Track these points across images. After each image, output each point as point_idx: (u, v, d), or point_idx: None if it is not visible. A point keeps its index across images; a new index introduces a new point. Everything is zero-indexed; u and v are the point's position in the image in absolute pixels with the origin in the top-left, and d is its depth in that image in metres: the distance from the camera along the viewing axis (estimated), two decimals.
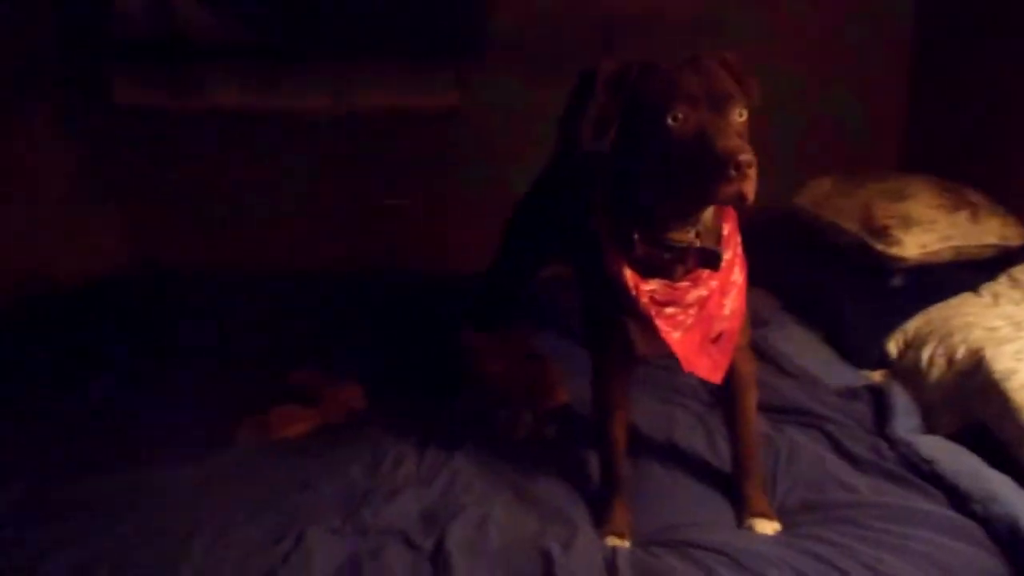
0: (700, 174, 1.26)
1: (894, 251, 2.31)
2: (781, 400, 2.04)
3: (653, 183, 1.38)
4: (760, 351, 2.32)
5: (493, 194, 2.48)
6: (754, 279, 2.84)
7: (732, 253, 1.50)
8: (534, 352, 2.18)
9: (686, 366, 1.48)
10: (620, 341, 1.54)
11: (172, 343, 2.41)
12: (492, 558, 1.46)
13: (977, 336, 1.88)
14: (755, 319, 2.48)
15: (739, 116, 1.33)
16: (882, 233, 2.34)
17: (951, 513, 1.56)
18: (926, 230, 2.33)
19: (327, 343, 2.37)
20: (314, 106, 3.05)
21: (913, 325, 2.15)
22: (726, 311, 1.50)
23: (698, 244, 1.43)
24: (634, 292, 1.45)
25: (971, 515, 1.54)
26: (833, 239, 2.50)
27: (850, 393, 2.06)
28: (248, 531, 1.52)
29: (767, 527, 1.61)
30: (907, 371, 2.09)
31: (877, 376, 2.20)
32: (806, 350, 2.32)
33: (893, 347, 2.18)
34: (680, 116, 1.30)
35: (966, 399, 1.81)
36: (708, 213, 1.44)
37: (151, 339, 2.45)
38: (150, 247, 3.19)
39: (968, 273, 2.34)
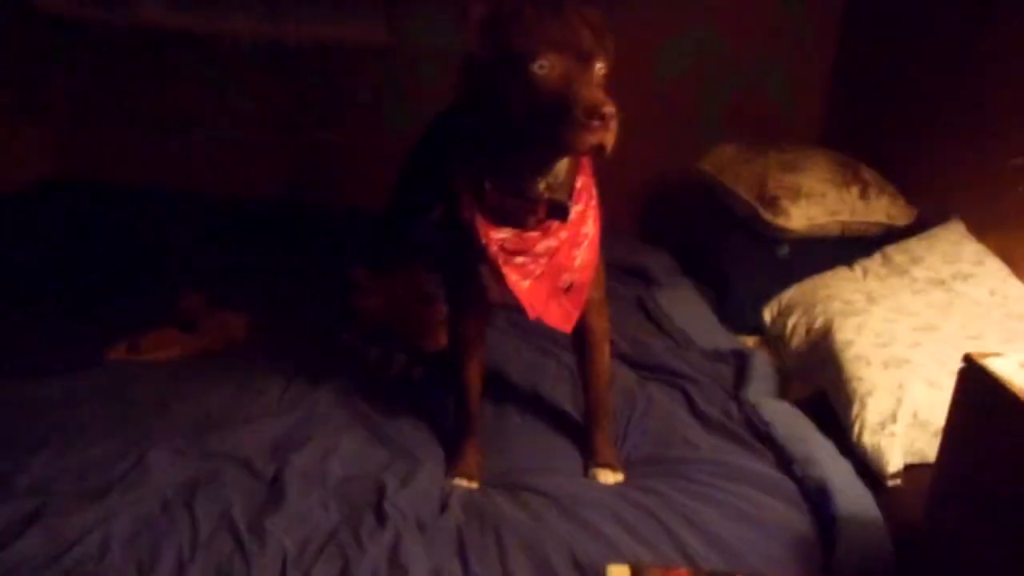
0: (563, 123, 1.27)
1: (780, 221, 2.37)
2: (650, 357, 2.12)
3: (511, 131, 1.40)
4: (645, 310, 2.42)
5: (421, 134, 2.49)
6: (658, 239, 2.95)
7: (584, 206, 1.54)
8: (427, 294, 2.21)
9: (531, 313, 1.53)
10: (474, 286, 1.58)
11: (72, 258, 2.41)
12: (327, 488, 1.52)
13: (833, 308, 1.95)
14: (649, 278, 2.57)
15: (601, 68, 1.35)
16: (772, 203, 2.39)
17: (775, 473, 1.65)
18: (814, 203, 2.38)
19: (227, 270, 2.39)
20: (242, 30, 3.01)
21: (787, 295, 2.22)
22: (577, 262, 1.54)
23: (547, 196, 1.46)
24: (484, 240, 1.48)
25: (792, 476, 1.63)
26: (730, 205, 2.56)
27: (717, 356, 2.14)
28: (94, 447, 1.56)
29: (610, 477, 1.68)
30: (775, 338, 2.17)
31: (751, 342, 2.28)
32: (689, 312, 2.39)
33: (767, 315, 2.25)
34: (546, 64, 1.31)
35: (814, 367, 1.89)
36: (561, 166, 1.46)
37: (51, 252, 2.45)
38: (75, 162, 3.17)
39: (854, 249, 2.40)
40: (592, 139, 1.27)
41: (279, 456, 1.59)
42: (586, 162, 1.56)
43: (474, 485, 1.64)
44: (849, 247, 2.42)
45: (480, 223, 1.49)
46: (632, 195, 3.20)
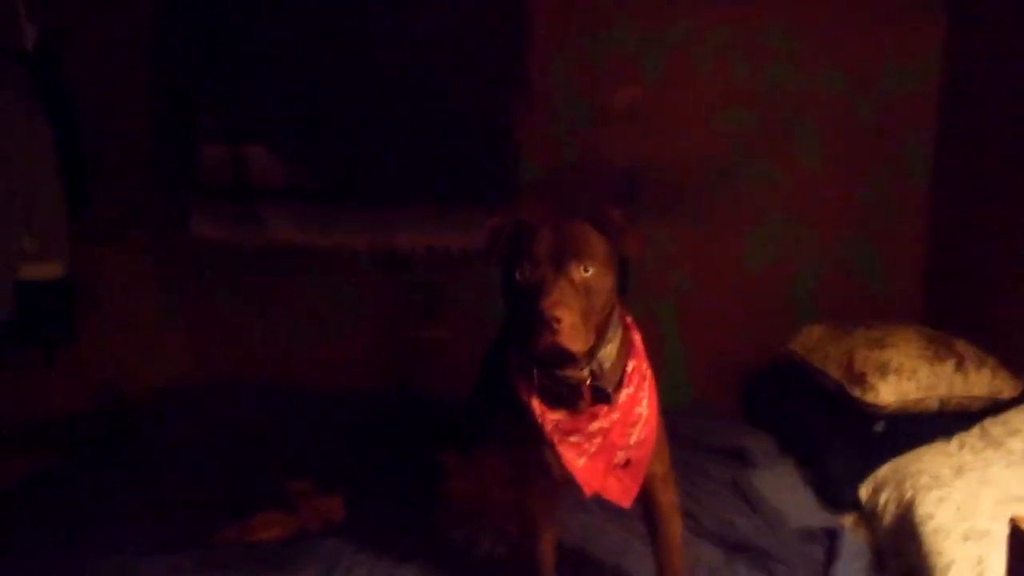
0: (529, 326, 1.41)
1: (869, 397, 2.34)
2: (739, 537, 2.10)
3: (517, 330, 1.52)
4: (738, 490, 2.40)
5: None
6: (756, 421, 2.94)
7: (636, 388, 1.60)
8: (513, 478, 2.29)
9: (587, 489, 1.59)
10: (537, 466, 1.65)
11: (197, 450, 2.66)
12: None
13: (920, 482, 1.89)
14: (745, 459, 2.57)
15: (583, 272, 1.44)
16: (859, 380, 2.38)
17: None
18: (905, 378, 2.35)
19: (331, 457, 2.56)
20: (359, 244, 3.37)
21: (882, 471, 2.16)
22: (632, 440, 1.60)
23: (588, 382, 1.54)
24: (540, 420, 1.58)
25: None
26: (820, 384, 2.55)
27: (807, 534, 2.08)
28: None
29: None
30: (870, 516, 2.10)
31: (849, 521, 2.20)
32: (784, 492, 2.35)
33: (863, 492, 2.19)
34: (525, 272, 1.46)
35: (902, 543, 1.82)
36: (607, 351, 1.55)
37: (181, 445, 2.71)
38: (211, 365, 3.53)
39: (958, 424, 2.33)
40: (544, 341, 1.39)
41: None
42: (638, 346, 1.64)
43: None
44: (953, 421, 2.34)
45: (536, 404, 1.58)
46: (729, 379, 3.23)
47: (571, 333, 1.39)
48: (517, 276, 1.46)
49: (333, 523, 2.18)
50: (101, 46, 3.28)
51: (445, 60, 3.20)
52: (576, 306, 1.40)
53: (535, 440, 1.62)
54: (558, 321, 1.37)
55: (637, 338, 1.63)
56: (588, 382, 1.54)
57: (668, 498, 1.73)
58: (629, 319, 1.65)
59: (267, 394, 3.16)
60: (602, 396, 1.55)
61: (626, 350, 1.60)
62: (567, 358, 1.45)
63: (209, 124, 3.39)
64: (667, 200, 3.21)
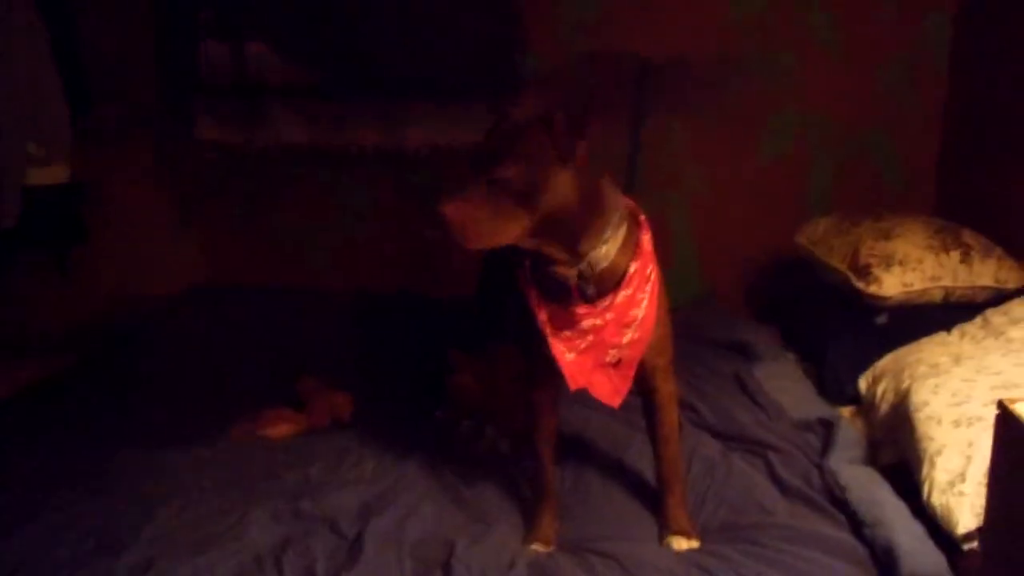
0: None
1: (873, 289, 2.34)
2: (736, 428, 2.14)
3: None
4: (740, 383, 2.43)
5: None
6: (762, 316, 2.95)
7: (634, 290, 1.59)
8: (518, 374, 2.33)
9: (572, 384, 1.62)
10: (542, 356, 1.68)
11: (210, 351, 2.72)
12: (402, 547, 1.64)
13: (918, 372, 1.91)
14: (749, 353, 2.60)
15: (505, 172, 1.43)
16: (863, 271, 2.37)
17: (846, 536, 1.64)
18: (910, 269, 2.34)
19: (339, 356, 2.62)
20: (366, 141, 3.34)
21: (881, 363, 2.18)
22: (625, 339, 1.61)
23: (574, 282, 1.55)
24: (535, 311, 1.60)
25: (862, 539, 1.61)
26: (825, 277, 2.55)
27: (805, 425, 2.12)
28: (208, 506, 1.78)
29: (683, 544, 1.71)
30: (868, 407, 2.13)
31: (847, 412, 2.24)
32: (785, 385, 2.38)
33: (863, 384, 2.21)
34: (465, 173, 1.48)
35: (895, 432, 1.85)
36: (601, 252, 1.53)
37: (194, 347, 2.78)
38: (222, 268, 3.57)
39: (961, 315, 2.33)
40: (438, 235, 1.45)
41: (363, 519, 1.74)
42: (645, 247, 1.61)
43: (549, 550, 1.71)
44: (955, 313, 2.35)
45: (532, 296, 1.60)
46: (739, 273, 3.24)
47: (466, 230, 1.43)
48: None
49: (342, 419, 2.24)
50: None
51: None
52: (477, 205, 1.43)
53: (537, 332, 1.63)
54: (443, 216, 1.42)
55: (645, 238, 1.61)
56: (574, 281, 1.55)
57: (667, 388, 1.75)
58: (641, 218, 1.63)
59: (276, 296, 3.21)
60: (585, 296, 1.56)
61: (630, 251, 1.59)
62: (475, 251, 1.50)
63: (209, 19, 3.32)
64: (678, 92, 3.14)
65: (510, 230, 1.47)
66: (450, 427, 2.16)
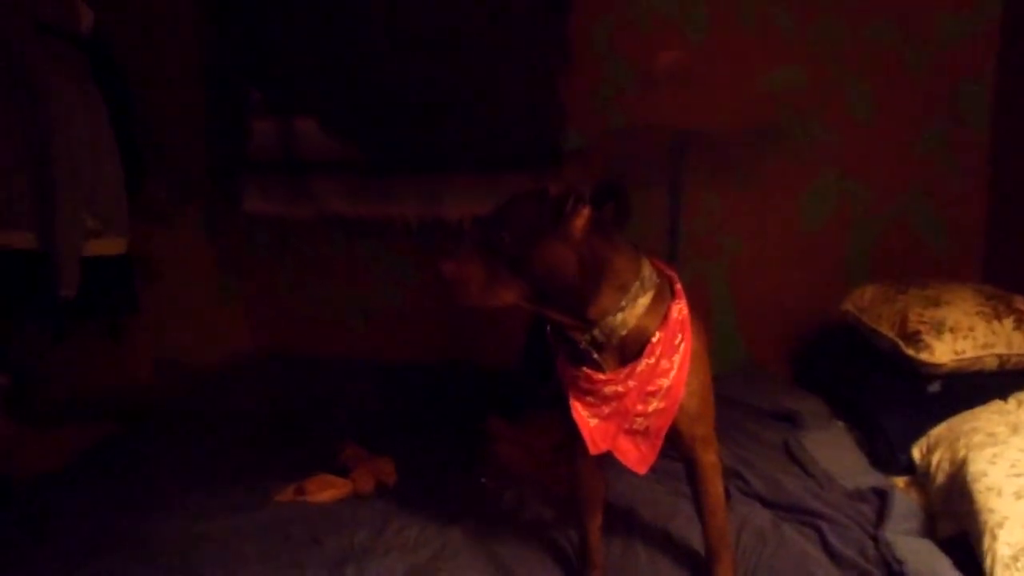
0: None
1: (924, 356, 2.30)
2: (786, 497, 2.09)
3: None
4: (789, 452, 2.39)
5: None
6: (808, 383, 2.91)
7: (658, 358, 1.57)
8: (560, 442, 2.32)
9: (592, 449, 1.61)
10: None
11: (258, 420, 2.75)
12: None
13: (976, 441, 1.86)
14: (796, 421, 2.56)
15: (502, 240, 1.49)
16: (913, 338, 2.34)
17: None
18: (961, 336, 2.30)
19: (382, 424, 2.63)
20: (407, 213, 3.40)
21: (936, 431, 2.13)
22: (650, 408, 1.60)
23: (583, 346, 1.56)
24: (562, 374, 1.61)
25: None
26: (874, 344, 2.52)
27: (858, 495, 2.07)
28: (252, 573, 1.76)
29: None
30: (923, 476, 2.07)
31: (902, 483, 2.18)
32: (835, 454, 2.33)
33: (917, 453, 2.16)
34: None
35: (953, 503, 1.79)
36: (619, 319, 1.54)
37: (243, 417, 2.80)
38: (269, 338, 3.63)
39: (1013, 381, 2.28)
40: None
41: None
42: (675, 316, 1.59)
43: None
44: (1011, 380, 2.30)
45: (560, 361, 1.63)
46: (781, 342, 3.20)
47: (459, 288, 1.51)
48: None
49: (386, 486, 2.24)
50: (152, 23, 3.36)
51: (489, 27, 3.19)
52: (473, 267, 1.51)
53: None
54: (439, 272, 1.51)
55: (676, 307, 1.60)
56: (584, 346, 1.56)
57: (709, 459, 1.72)
58: (677, 287, 1.63)
59: (321, 366, 3.24)
60: (596, 363, 1.57)
61: (657, 319, 1.58)
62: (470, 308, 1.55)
63: (258, 98, 3.45)
64: (716, 163, 3.17)
65: (503, 293, 1.52)
66: (495, 496, 2.14)
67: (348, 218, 3.47)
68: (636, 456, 1.63)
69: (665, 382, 1.58)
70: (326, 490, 2.17)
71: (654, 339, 1.57)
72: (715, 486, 1.74)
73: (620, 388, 1.57)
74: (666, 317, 1.58)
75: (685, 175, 3.15)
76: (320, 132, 3.44)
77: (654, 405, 1.59)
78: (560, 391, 1.72)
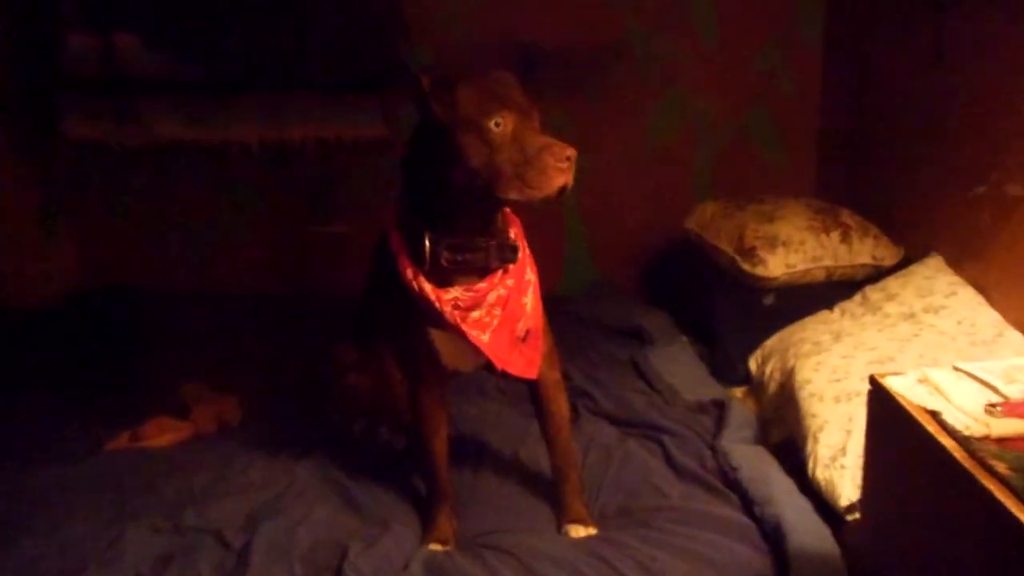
0: (530, 169, 1.40)
1: (759, 271, 2.39)
2: (632, 414, 2.16)
3: (467, 189, 1.47)
4: (637, 369, 2.45)
5: None
6: (655, 300, 2.99)
7: (523, 253, 1.61)
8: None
9: (499, 364, 1.59)
10: (427, 355, 1.64)
11: (84, 361, 2.57)
12: (291, 555, 1.58)
13: (803, 350, 1.96)
14: (643, 337, 2.61)
15: (538, 120, 1.47)
16: (749, 253, 2.42)
17: (738, 516, 1.66)
18: (793, 250, 2.40)
19: (225, 359, 2.51)
20: (246, 137, 3.20)
21: (769, 343, 2.23)
22: (528, 308, 1.61)
23: (494, 241, 1.54)
24: (437, 303, 1.54)
25: (753, 517, 1.63)
26: (714, 260, 2.59)
27: (699, 407, 2.15)
28: (77, 528, 1.66)
29: (581, 531, 1.71)
30: (758, 386, 2.17)
31: (739, 393, 2.28)
32: (679, 369, 2.40)
33: (753, 364, 2.26)
34: (500, 121, 1.43)
35: (783, 410, 1.89)
36: (499, 215, 1.56)
37: (68, 357, 2.62)
38: (101, 272, 3.38)
39: (843, 293, 2.40)
40: (559, 180, 1.40)
41: (251, 528, 1.66)
42: (513, 216, 1.64)
43: (448, 549, 1.68)
44: (838, 291, 2.42)
45: (428, 288, 1.55)
46: (631, 258, 3.27)
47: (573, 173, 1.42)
48: (492, 125, 1.43)
49: (229, 425, 2.15)
50: None
51: None
52: None
53: (423, 328, 1.60)
54: (574, 158, 1.40)
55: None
56: (493, 243, 1.54)
57: (552, 375, 1.74)
58: None
59: (159, 299, 3.05)
60: (507, 253, 1.56)
61: (505, 217, 1.61)
62: (553, 202, 1.45)
63: (72, 10, 3.12)
64: (565, 78, 3.13)
65: None
66: (344, 427, 2.10)
67: (182, 142, 3.24)
68: (523, 362, 1.62)
69: (531, 277, 1.62)
70: (164, 434, 2.07)
71: (512, 233, 1.60)
72: (559, 403, 1.76)
73: (502, 291, 1.56)
74: (507, 213, 1.62)
75: (531, 91, 3.10)
76: (144, 48, 3.17)
77: (529, 303, 1.60)
78: (399, 325, 1.68)
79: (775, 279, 2.40)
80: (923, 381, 1.19)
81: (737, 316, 2.47)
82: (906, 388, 1.14)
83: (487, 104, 1.44)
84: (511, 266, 1.58)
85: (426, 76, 1.51)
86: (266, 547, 1.59)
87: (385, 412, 2.13)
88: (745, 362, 2.33)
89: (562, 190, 1.40)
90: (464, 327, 1.56)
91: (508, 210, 1.62)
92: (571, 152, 1.39)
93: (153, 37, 3.15)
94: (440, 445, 1.76)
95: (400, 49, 3.10)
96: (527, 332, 1.63)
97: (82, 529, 1.66)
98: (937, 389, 1.16)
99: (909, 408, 1.10)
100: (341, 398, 2.18)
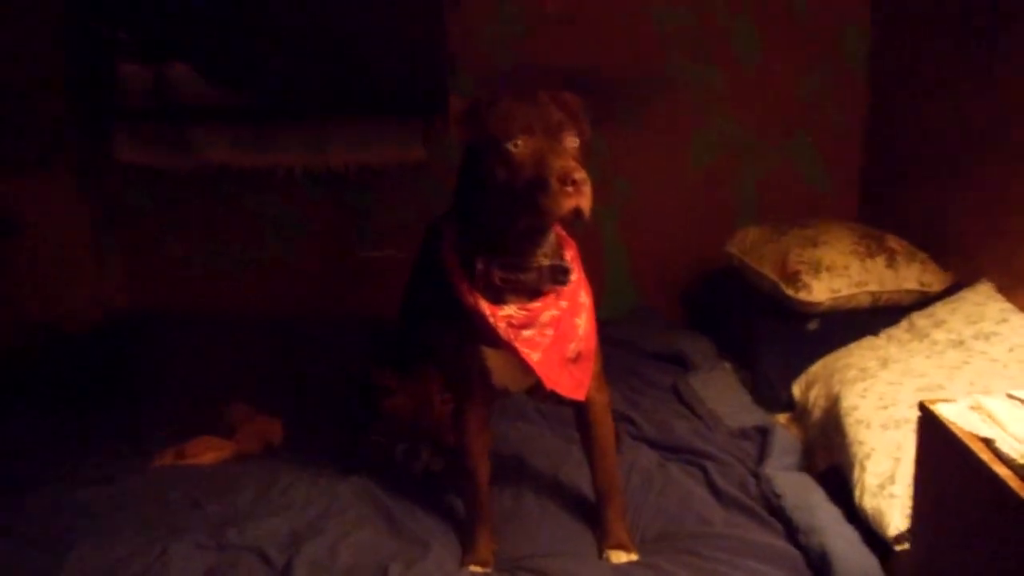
0: (542, 192, 1.40)
1: (803, 296, 2.37)
2: (674, 439, 2.14)
3: (500, 208, 1.50)
4: (679, 394, 2.44)
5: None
6: (696, 325, 2.97)
7: (577, 276, 1.63)
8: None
9: (548, 384, 1.59)
10: (477, 373, 1.65)
11: (132, 379, 2.62)
12: (333, 574, 1.59)
13: (849, 376, 1.93)
14: (685, 363, 2.60)
15: (571, 142, 1.48)
16: (793, 278, 2.40)
17: (782, 544, 1.64)
18: (837, 275, 2.38)
19: (269, 381, 2.54)
20: (291, 162, 3.27)
21: (814, 369, 2.20)
22: (580, 331, 1.62)
23: (547, 263, 1.56)
24: (492, 320, 1.55)
25: (798, 545, 1.61)
26: (757, 285, 2.57)
27: (741, 433, 2.13)
28: (123, 546, 1.68)
29: (622, 557, 1.70)
30: (802, 412, 2.14)
31: (783, 419, 2.25)
32: (721, 394, 2.38)
33: (796, 390, 2.23)
34: (519, 143, 1.45)
35: (828, 437, 1.86)
36: (551, 238, 1.58)
37: (119, 379, 2.67)
38: (148, 295, 3.45)
39: (889, 318, 2.37)
40: (568, 203, 1.39)
41: (293, 546, 1.67)
42: (570, 239, 1.65)
43: (488, 571, 1.68)
44: (884, 317, 2.39)
45: (484, 305, 1.56)
46: (672, 283, 3.26)
47: (589, 196, 1.40)
48: (511, 147, 1.44)
49: (272, 445, 2.17)
50: None
51: None
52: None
53: (475, 347, 1.61)
54: (583, 182, 1.38)
55: (562, 231, 1.65)
56: (546, 263, 1.56)
57: (600, 398, 1.74)
58: None
59: (204, 324, 3.10)
60: (560, 275, 1.57)
61: (561, 240, 1.64)
62: (573, 224, 1.47)
63: (126, 40, 3.23)
64: (606, 106, 3.14)
65: None
66: (384, 449, 2.11)
67: (230, 168, 3.31)
68: (572, 384, 1.62)
69: (585, 301, 1.62)
70: (208, 452, 2.09)
71: (567, 256, 1.62)
72: (606, 427, 1.75)
73: (555, 311, 1.57)
74: (562, 235, 1.65)
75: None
76: (195, 77, 3.26)
77: (582, 326, 1.61)
78: (446, 344, 1.69)
79: (819, 304, 2.38)
80: (975, 408, 1.17)
81: (780, 342, 2.45)
82: (958, 415, 1.12)
83: (508, 126, 1.46)
84: (566, 287, 1.59)
85: (457, 99, 1.55)
86: (308, 566, 1.60)
87: (426, 434, 2.14)
88: (788, 388, 2.30)
89: (577, 213, 1.40)
90: (517, 344, 1.56)
91: (563, 232, 1.63)
92: (579, 176, 1.38)
93: (204, 66, 3.23)
94: (482, 467, 1.76)
95: (444, 76, 3.15)
96: (578, 354, 1.63)
97: (128, 545, 1.68)
98: (990, 416, 1.14)
99: (961, 436, 1.08)
100: (382, 421, 2.19)
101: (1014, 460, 1.05)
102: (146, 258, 3.43)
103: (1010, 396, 1.19)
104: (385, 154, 3.26)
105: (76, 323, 3.22)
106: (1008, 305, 2.05)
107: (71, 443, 2.22)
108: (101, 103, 3.27)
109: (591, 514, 1.82)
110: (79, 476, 2.00)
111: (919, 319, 2.17)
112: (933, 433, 1.15)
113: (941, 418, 1.12)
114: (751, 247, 2.64)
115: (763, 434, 2.08)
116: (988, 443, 1.08)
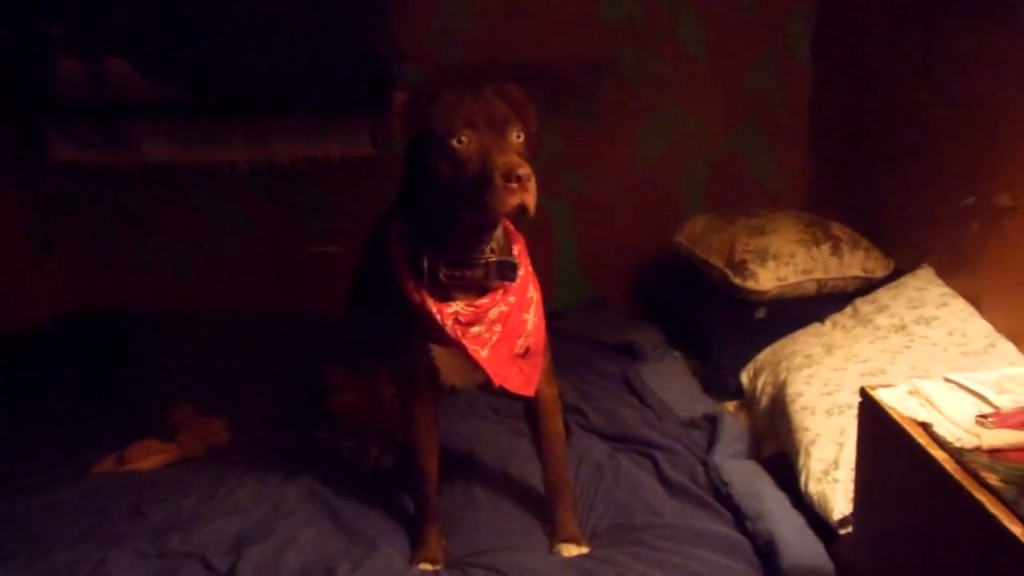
0: (486, 188, 1.38)
1: (750, 284, 2.38)
2: (624, 430, 2.14)
3: (446, 204, 1.48)
4: (628, 383, 2.43)
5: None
6: (647, 315, 2.98)
7: (525, 271, 1.61)
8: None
9: (497, 380, 1.57)
10: (425, 371, 1.63)
11: (71, 385, 2.54)
12: None
13: (795, 363, 1.94)
14: (635, 353, 2.60)
15: (516, 137, 1.46)
16: (740, 267, 2.41)
17: (730, 531, 1.65)
18: (783, 263, 2.40)
19: (214, 381, 2.48)
20: (236, 157, 3.20)
21: (762, 356, 2.22)
22: (528, 326, 1.60)
23: (494, 258, 1.54)
24: (438, 317, 1.53)
25: (745, 532, 1.61)
26: (705, 274, 2.59)
27: (691, 422, 2.13)
28: (61, 555, 1.63)
29: (573, 550, 1.69)
30: (750, 400, 2.16)
31: (732, 407, 2.27)
32: (671, 383, 2.39)
33: (745, 378, 2.25)
34: (464, 139, 1.43)
35: (775, 423, 1.87)
36: (499, 233, 1.55)
37: (59, 381, 2.59)
38: (89, 295, 3.36)
39: (835, 305, 2.39)
40: (513, 200, 1.37)
41: (237, 551, 1.64)
42: (518, 234, 1.64)
43: (438, 569, 1.66)
44: (829, 304, 2.41)
45: (430, 302, 1.53)
46: (623, 273, 3.26)
47: (534, 192, 1.38)
48: (455, 143, 1.42)
49: (217, 447, 2.12)
50: None
51: None
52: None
53: (422, 344, 1.59)
54: (528, 178, 1.36)
55: (510, 224, 1.63)
56: (493, 259, 1.54)
57: (550, 392, 1.74)
58: None
59: (146, 323, 3.03)
60: (507, 271, 1.55)
61: (509, 235, 1.61)
62: (519, 220, 1.46)
63: (61, 35, 3.13)
64: (554, 97, 3.13)
65: None
66: (332, 448, 2.07)
67: (172, 164, 3.23)
68: (521, 379, 1.61)
69: (533, 295, 1.61)
70: (150, 456, 2.04)
71: (515, 251, 1.60)
72: (555, 421, 1.75)
73: (503, 307, 1.55)
74: (511, 230, 1.62)
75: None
76: (133, 72, 3.16)
77: (531, 321, 1.59)
78: (393, 341, 1.67)
79: (766, 292, 2.39)
80: (914, 393, 1.18)
81: (729, 330, 2.46)
82: (897, 400, 1.12)
83: (451, 121, 1.44)
84: (514, 283, 1.57)
85: (400, 94, 1.52)
86: (252, 570, 1.56)
87: (375, 431, 2.11)
88: (737, 376, 2.31)
89: (523, 209, 1.39)
90: (464, 341, 1.54)
91: (511, 227, 1.61)
92: (524, 172, 1.37)
93: (142, 61, 3.15)
94: (431, 464, 1.74)
95: (390, 69, 3.11)
96: (527, 349, 1.62)
97: (65, 554, 1.63)
98: (928, 401, 1.15)
99: (900, 420, 1.09)
100: (331, 417, 2.16)
101: (950, 444, 1.06)
102: (86, 258, 3.34)
103: (947, 380, 1.21)
104: (331, 149, 3.21)
105: (13, 325, 3.12)
106: (948, 290, 2.08)
107: (5, 448, 2.15)
108: (35, 100, 3.17)
109: (542, 508, 1.81)
110: (12, 485, 1.94)
111: (863, 305, 2.20)
112: (873, 418, 1.16)
113: (881, 403, 1.13)
114: (699, 236, 2.65)
115: (712, 422, 2.09)
116: (926, 427, 1.09)
